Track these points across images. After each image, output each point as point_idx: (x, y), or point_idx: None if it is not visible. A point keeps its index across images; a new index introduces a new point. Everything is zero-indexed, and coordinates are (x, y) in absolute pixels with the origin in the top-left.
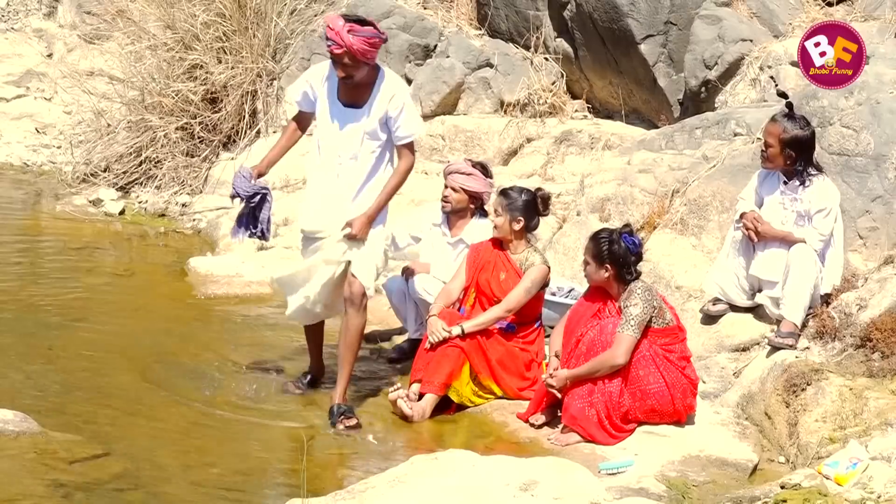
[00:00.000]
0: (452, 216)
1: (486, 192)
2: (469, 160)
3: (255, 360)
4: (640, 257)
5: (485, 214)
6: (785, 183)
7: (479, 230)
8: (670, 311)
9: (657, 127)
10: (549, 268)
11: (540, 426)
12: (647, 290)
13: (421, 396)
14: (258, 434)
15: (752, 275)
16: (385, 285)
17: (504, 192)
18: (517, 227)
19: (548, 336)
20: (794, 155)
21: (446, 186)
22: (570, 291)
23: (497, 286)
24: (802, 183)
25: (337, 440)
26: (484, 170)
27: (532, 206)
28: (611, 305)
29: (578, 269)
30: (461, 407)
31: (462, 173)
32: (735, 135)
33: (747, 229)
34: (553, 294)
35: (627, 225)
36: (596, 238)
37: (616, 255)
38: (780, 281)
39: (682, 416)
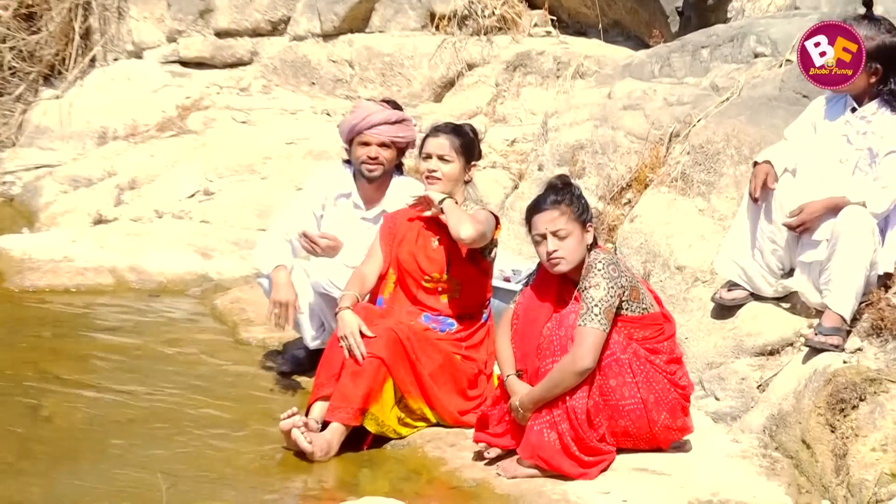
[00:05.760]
0: (370, 183)
1: (413, 139)
2: (376, 101)
3: (89, 375)
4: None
5: (401, 170)
6: (853, 110)
7: (406, 193)
8: (650, 294)
9: (648, 46)
10: (497, 217)
11: (494, 460)
12: (611, 262)
13: (325, 425)
14: (100, 472)
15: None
16: (261, 282)
17: (445, 130)
18: (469, 175)
19: None
20: (882, 69)
21: (366, 144)
22: (528, 276)
23: (426, 258)
24: (890, 105)
25: (210, 488)
26: (397, 108)
27: (476, 146)
28: (568, 288)
29: None
30: (381, 439)
31: (390, 123)
32: (756, 55)
33: (752, 196)
34: (506, 280)
35: (561, 176)
36: (561, 191)
37: (589, 209)
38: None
39: (663, 443)
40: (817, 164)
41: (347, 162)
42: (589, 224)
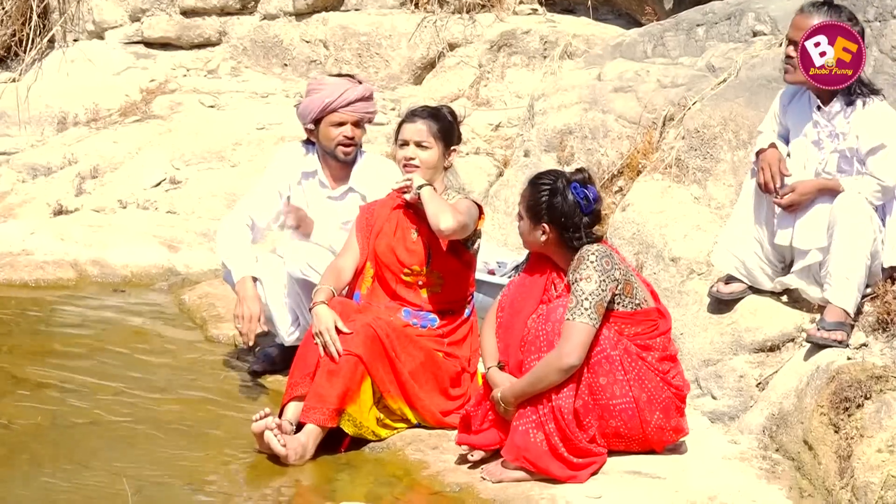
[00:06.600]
0: (338, 161)
1: (375, 112)
2: (343, 75)
3: (50, 374)
4: (596, 217)
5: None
6: (819, 108)
7: (373, 170)
8: (645, 288)
9: (640, 24)
10: (480, 207)
11: (478, 463)
12: (604, 255)
13: (300, 427)
14: (62, 478)
15: (780, 244)
16: (226, 277)
17: (422, 114)
18: (448, 161)
19: None
20: None
21: (341, 123)
22: (515, 269)
23: (405, 250)
24: (849, 104)
25: (178, 494)
26: (359, 82)
27: (456, 129)
28: (557, 280)
29: None
30: (359, 441)
31: (365, 99)
32: (754, 34)
33: (766, 188)
34: (491, 272)
35: (582, 170)
36: (535, 184)
37: (558, 212)
38: (822, 248)
39: (657, 445)
40: (794, 174)
41: (307, 142)
42: (544, 221)
